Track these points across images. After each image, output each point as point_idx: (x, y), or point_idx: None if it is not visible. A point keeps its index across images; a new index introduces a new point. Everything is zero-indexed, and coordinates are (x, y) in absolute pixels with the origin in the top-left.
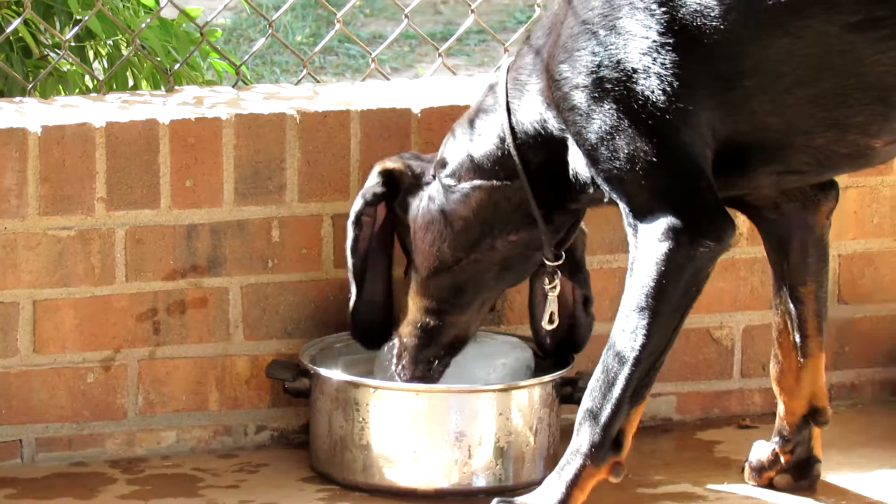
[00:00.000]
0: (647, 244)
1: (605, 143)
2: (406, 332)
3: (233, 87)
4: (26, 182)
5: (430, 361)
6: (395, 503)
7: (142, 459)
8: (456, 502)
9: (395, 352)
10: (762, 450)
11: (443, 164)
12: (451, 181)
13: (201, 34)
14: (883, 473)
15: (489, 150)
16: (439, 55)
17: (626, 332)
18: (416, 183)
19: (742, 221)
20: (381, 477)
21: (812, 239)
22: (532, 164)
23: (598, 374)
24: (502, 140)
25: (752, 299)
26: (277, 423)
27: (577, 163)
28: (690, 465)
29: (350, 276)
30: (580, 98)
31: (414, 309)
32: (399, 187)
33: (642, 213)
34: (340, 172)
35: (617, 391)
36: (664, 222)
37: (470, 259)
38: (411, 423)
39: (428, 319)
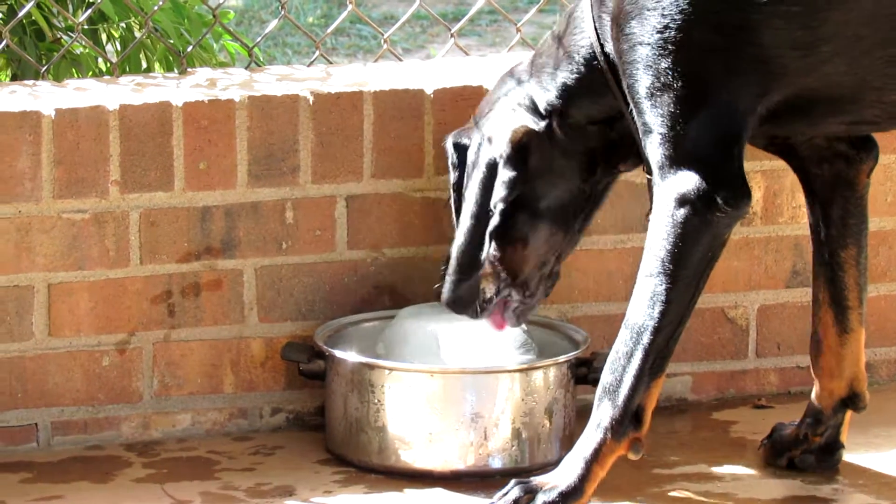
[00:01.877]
0: (667, 206)
1: (655, 98)
2: (526, 282)
3: (245, 68)
4: (40, 165)
5: (543, 290)
6: (411, 485)
7: (157, 442)
8: (472, 484)
9: (507, 303)
10: (787, 430)
11: (561, 111)
12: (573, 126)
13: (214, 16)
14: None
15: (596, 92)
16: (451, 36)
17: (643, 299)
18: (541, 142)
19: (757, 201)
20: (397, 459)
21: (854, 198)
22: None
23: (616, 346)
24: (605, 81)
25: (766, 279)
26: (293, 405)
27: None
28: (706, 446)
29: (464, 259)
30: (642, 54)
31: (521, 266)
32: (529, 155)
33: (669, 171)
34: (354, 154)
35: (636, 362)
36: (686, 184)
37: (592, 196)
38: (427, 405)
39: (543, 268)
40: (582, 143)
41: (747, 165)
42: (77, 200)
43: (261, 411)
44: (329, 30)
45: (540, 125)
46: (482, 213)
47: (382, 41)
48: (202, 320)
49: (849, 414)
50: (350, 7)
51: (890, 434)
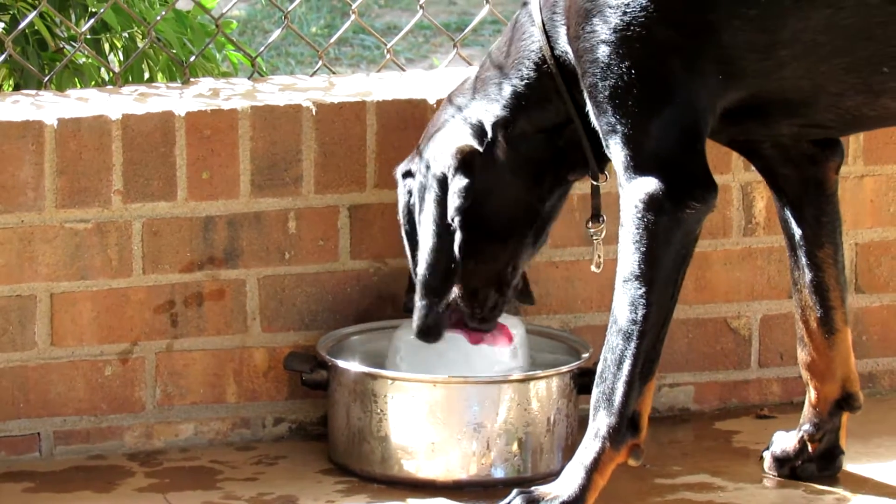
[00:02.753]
0: (636, 208)
1: (617, 98)
2: (476, 296)
3: (248, 78)
4: (43, 175)
5: (501, 305)
6: (414, 495)
7: (160, 452)
8: (475, 493)
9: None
10: (787, 440)
11: (507, 122)
12: (519, 137)
13: (217, 26)
14: None
15: (545, 98)
16: (454, 46)
17: (625, 305)
18: (483, 160)
19: (759, 211)
20: (400, 468)
21: (825, 196)
22: (582, 107)
23: (605, 355)
24: (554, 86)
25: (769, 289)
26: (295, 415)
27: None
28: (709, 456)
29: (435, 281)
30: (604, 52)
31: (474, 281)
32: (474, 170)
33: (635, 171)
34: (357, 164)
35: (626, 368)
36: (653, 184)
37: (544, 208)
38: (429, 415)
39: (504, 277)
40: (529, 153)
41: (750, 176)
42: (80, 210)
43: (263, 421)
44: (332, 40)
45: (482, 145)
46: (443, 231)
47: (385, 51)
48: (205, 330)
49: (845, 417)
50: (353, 17)
51: (892, 444)
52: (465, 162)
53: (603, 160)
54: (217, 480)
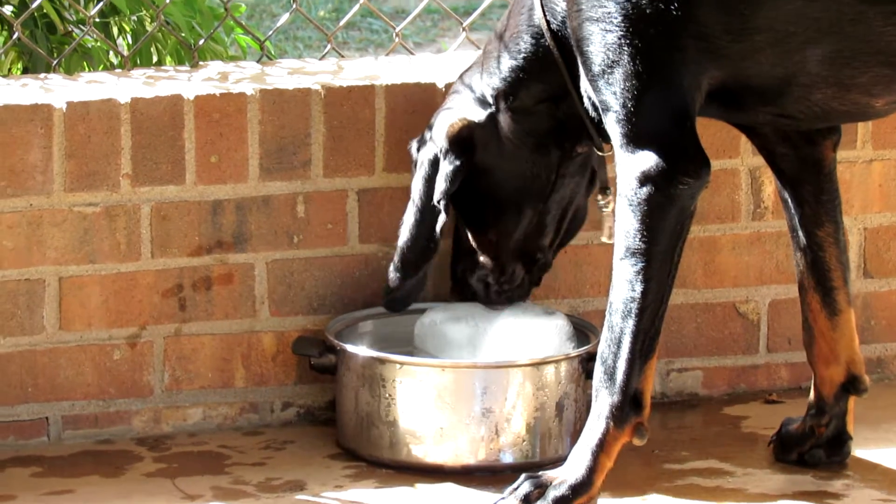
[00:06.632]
0: (630, 185)
1: (607, 75)
2: (502, 270)
3: (257, 62)
4: (52, 158)
5: (530, 283)
6: (422, 479)
7: (168, 437)
8: (483, 478)
9: (487, 289)
10: (794, 425)
11: (506, 94)
12: (519, 109)
13: (225, 9)
14: None
15: (544, 70)
16: (463, 30)
17: (623, 282)
18: (485, 131)
19: (768, 195)
20: (408, 453)
21: (823, 174)
22: (579, 79)
23: (604, 335)
24: (553, 59)
25: (778, 273)
26: (304, 399)
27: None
28: (717, 441)
29: (411, 255)
30: (591, 30)
31: (497, 252)
32: (473, 146)
33: (628, 148)
34: (365, 147)
35: (626, 347)
36: (646, 162)
37: (555, 180)
38: (438, 399)
39: (520, 254)
40: (531, 125)
41: (758, 160)
42: (88, 194)
43: (272, 406)
44: (340, 24)
45: (482, 115)
46: (426, 210)
47: (394, 35)
48: (213, 314)
49: (852, 401)
50: (361, 1)
51: None
52: (457, 141)
53: (605, 132)
54: (225, 465)
